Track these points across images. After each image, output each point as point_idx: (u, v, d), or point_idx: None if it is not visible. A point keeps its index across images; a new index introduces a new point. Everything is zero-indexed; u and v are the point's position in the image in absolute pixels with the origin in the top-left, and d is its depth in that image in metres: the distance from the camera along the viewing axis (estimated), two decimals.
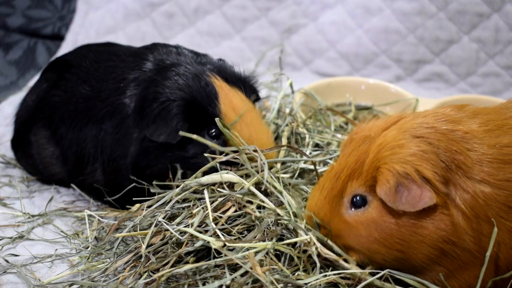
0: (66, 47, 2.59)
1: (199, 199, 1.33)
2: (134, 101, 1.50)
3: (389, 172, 1.07)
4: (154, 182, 1.43)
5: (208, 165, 1.36)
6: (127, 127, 1.50)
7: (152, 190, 1.42)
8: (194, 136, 1.34)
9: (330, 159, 1.52)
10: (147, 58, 1.57)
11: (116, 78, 1.57)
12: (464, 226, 1.08)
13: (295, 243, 1.19)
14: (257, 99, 1.62)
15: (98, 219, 1.47)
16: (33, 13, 2.75)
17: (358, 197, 1.12)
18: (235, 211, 1.28)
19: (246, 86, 1.55)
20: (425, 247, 1.09)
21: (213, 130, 1.44)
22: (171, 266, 1.21)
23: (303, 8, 2.64)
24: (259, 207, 1.29)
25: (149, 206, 1.37)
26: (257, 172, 1.30)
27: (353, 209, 1.13)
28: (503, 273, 1.11)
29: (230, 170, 1.34)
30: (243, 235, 1.25)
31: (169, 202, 1.34)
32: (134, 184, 1.45)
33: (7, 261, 1.38)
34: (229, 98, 1.46)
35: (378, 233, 1.10)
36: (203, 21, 2.69)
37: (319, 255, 1.16)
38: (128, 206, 1.44)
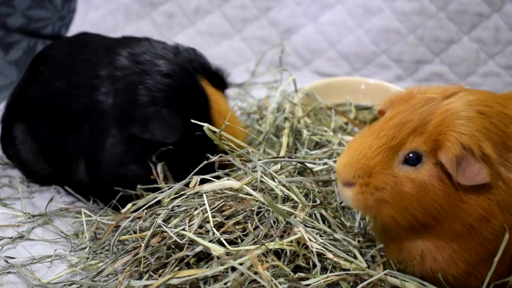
0: None
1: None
2: (111, 98, 1.49)
3: (456, 141, 1.06)
4: (154, 185, 1.44)
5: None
6: (104, 125, 1.50)
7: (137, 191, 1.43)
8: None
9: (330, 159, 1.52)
10: (120, 53, 1.56)
11: (89, 73, 1.56)
12: (497, 213, 1.08)
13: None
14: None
15: (96, 219, 1.47)
16: (33, 13, 2.74)
17: (414, 154, 1.10)
18: (233, 209, 1.29)
19: (220, 79, 1.58)
20: (458, 221, 1.09)
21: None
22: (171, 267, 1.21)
23: (303, 8, 2.64)
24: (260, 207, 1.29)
25: (148, 207, 1.37)
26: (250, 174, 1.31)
27: (405, 165, 1.11)
28: None
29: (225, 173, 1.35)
30: (244, 233, 1.26)
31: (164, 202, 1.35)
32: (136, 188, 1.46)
33: (7, 261, 1.38)
34: (219, 108, 1.47)
35: (423, 195, 1.09)
36: (203, 21, 2.69)
37: (319, 254, 1.16)
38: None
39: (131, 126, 1.45)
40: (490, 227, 1.09)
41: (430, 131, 1.09)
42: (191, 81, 1.49)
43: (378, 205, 1.11)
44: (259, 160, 1.34)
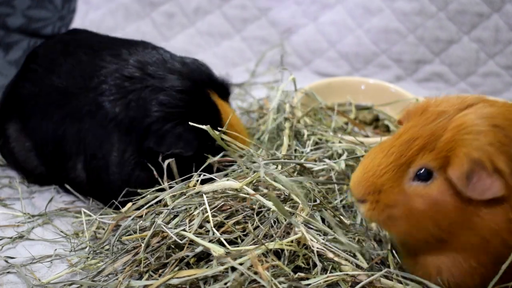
0: None
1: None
2: (119, 107, 1.50)
3: (465, 157, 1.04)
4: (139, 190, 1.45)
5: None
6: (110, 131, 1.51)
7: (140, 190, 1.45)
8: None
9: (329, 159, 1.52)
10: (127, 60, 1.56)
11: (91, 74, 1.56)
12: (511, 228, 1.07)
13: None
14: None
15: (96, 219, 1.47)
16: (33, 13, 2.74)
17: (424, 171, 1.09)
18: (233, 209, 1.29)
19: (225, 89, 1.63)
20: (474, 235, 1.08)
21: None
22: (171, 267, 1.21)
23: (303, 8, 2.64)
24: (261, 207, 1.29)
25: (146, 206, 1.37)
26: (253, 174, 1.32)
27: (415, 181, 1.10)
28: None
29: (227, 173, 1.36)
30: (244, 233, 1.26)
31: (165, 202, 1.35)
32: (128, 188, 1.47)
33: (7, 261, 1.38)
34: (228, 117, 1.50)
35: (434, 211, 1.08)
36: (203, 21, 2.69)
37: (319, 254, 1.16)
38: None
39: (146, 140, 1.47)
40: (504, 242, 1.07)
41: (441, 147, 1.08)
42: (204, 95, 1.52)
43: (391, 221, 1.12)
44: (261, 160, 1.34)
